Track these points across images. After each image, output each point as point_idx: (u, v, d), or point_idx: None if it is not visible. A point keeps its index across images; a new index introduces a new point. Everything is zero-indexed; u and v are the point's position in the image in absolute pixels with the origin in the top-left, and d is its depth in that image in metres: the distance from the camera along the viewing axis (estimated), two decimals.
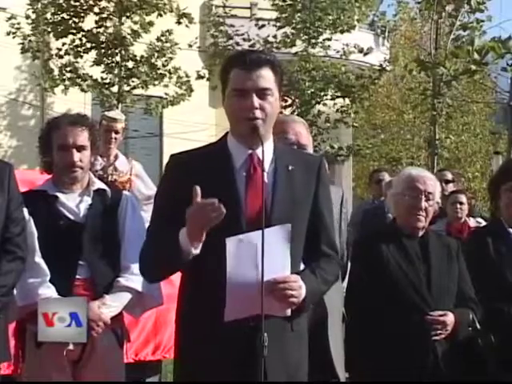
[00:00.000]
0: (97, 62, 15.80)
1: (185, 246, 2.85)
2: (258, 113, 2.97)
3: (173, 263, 2.95)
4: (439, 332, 3.82)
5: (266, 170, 3.02)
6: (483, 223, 7.65)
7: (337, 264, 3.17)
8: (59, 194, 3.79)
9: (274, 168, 3.04)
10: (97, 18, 15.81)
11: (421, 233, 3.99)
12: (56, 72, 15.90)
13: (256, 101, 2.96)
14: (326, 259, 3.11)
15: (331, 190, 3.70)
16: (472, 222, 7.50)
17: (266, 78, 2.99)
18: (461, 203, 7.32)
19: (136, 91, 16.18)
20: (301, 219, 3.04)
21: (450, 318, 3.83)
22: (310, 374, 3.22)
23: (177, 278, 3.11)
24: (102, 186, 3.93)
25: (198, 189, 2.81)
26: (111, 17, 15.84)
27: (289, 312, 2.94)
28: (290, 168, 3.05)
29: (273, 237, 2.85)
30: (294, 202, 3.02)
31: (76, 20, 15.79)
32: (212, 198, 2.89)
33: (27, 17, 15.79)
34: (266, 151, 3.01)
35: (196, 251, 2.86)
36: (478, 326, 3.92)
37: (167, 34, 15.92)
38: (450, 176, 8.28)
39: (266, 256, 2.81)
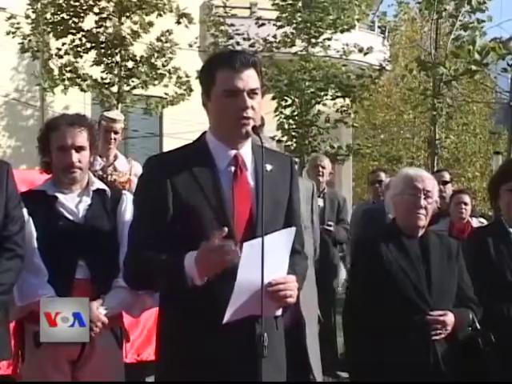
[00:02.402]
0: (97, 62, 15.79)
1: (190, 275, 2.84)
2: (250, 112, 2.98)
3: (173, 286, 2.93)
4: (439, 332, 3.82)
5: (249, 171, 3.05)
6: (486, 224, 7.66)
7: (306, 259, 3.24)
8: (58, 195, 3.79)
9: (254, 168, 3.06)
10: (96, 18, 15.81)
11: (421, 232, 3.99)
12: (56, 72, 15.89)
13: (249, 101, 2.98)
14: (299, 256, 3.15)
15: (300, 183, 3.73)
16: (475, 223, 7.50)
17: (254, 78, 3.02)
18: (465, 203, 7.34)
19: (136, 91, 16.17)
20: (281, 219, 3.08)
21: (450, 317, 3.83)
22: (288, 374, 3.23)
23: None
24: (102, 186, 3.93)
25: (225, 230, 2.79)
26: (111, 17, 15.83)
27: (280, 312, 2.97)
28: (269, 168, 3.07)
29: (279, 240, 2.88)
30: (275, 201, 3.04)
31: (76, 20, 15.78)
32: (200, 199, 2.92)
33: (27, 17, 15.78)
34: (246, 151, 3.06)
35: (201, 282, 2.85)
36: (478, 326, 3.92)
37: (167, 34, 15.91)
38: (447, 176, 8.28)
39: (270, 259, 2.82)
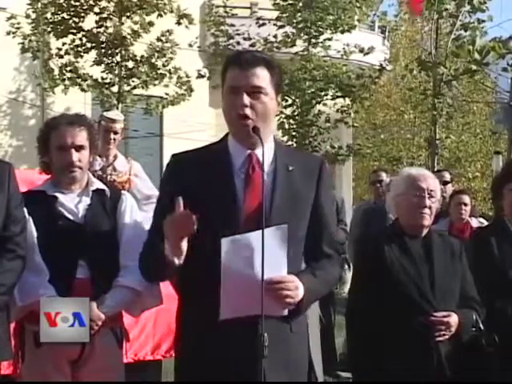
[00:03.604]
0: (97, 62, 15.79)
1: (170, 257, 2.88)
2: (247, 111, 2.96)
3: (162, 272, 3.00)
4: (443, 333, 3.81)
5: (266, 170, 3.01)
6: (485, 223, 7.70)
7: (338, 264, 3.17)
8: (58, 194, 3.78)
9: (273, 168, 3.04)
10: (97, 17, 15.80)
11: (424, 233, 3.98)
12: (56, 72, 15.89)
13: (246, 99, 2.96)
14: (327, 259, 3.11)
15: None
16: (474, 223, 7.55)
17: (260, 76, 2.99)
18: (465, 204, 7.38)
19: (136, 91, 16.16)
20: (300, 219, 3.04)
21: (453, 318, 3.82)
22: None
23: None
24: (101, 186, 3.92)
25: (180, 200, 2.81)
26: (111, 17, 15.83)
27: (286, 312, 2.93)
28: (290, 168, 3.05)
29: (269, 237, 2.84)
30: (293, 202, 3.02)
31: (76, 20, 15.78)
32: (211, 197, 2.93)
33: (27, 16, 15.77)
34: (266, 151, 3.01)
35: (179, 261, 2.88)
36: (482, 327, 3.91)
37: (167, 34, 15.91)
38: (448, 177, 8.31)
39: (258, 256, 2.80)
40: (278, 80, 3.06)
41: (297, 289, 2.89)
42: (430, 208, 3.93)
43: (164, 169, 3.24)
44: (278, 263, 2.90)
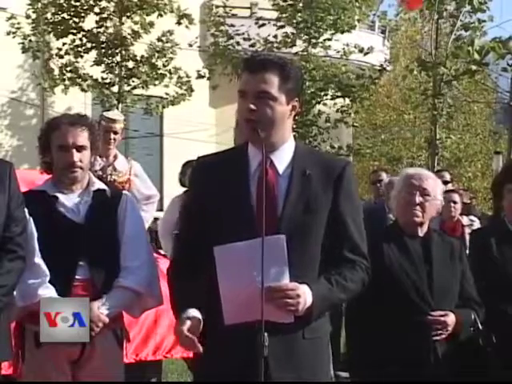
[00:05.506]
0: (97, 62, 15.82)
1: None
2: (252, 115, 2.94)
3: None
4: (440, 332, 3.82)
5: (281, 174, 3.01)
6: (476, 221, 7.87)
7: (361, 269, 3.08)
8: (59, 195, 3.78)
9: (289, 172, 3.02)
10: (97, 17, 15.84)
11: (423, 232, 3.99)
12: (56, 72, 15.91)
13: (251, 103, 2.94)
14: (349, 265, 3.03)
15: None
16: (465, 221, 7.69)
17: (268, 82, 2.95)
18: (454, 202, 7.48)
19: (136, 91, 16.20)
20: (315, 225, 3.00)
21: (450, 317, 3.83)
22: None
23: None
24: (102, 186, 3.92)
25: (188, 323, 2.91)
26: (111, 17, 15.86)
27: (292, 318, 2.88)
28: (308, 173, 3.00)
29: (265, 247, 2.80)
30: (307, 206, 2.98)
31: (76, 20, 15.81)
32: (228, 199, 2.95)
33: (27, 16, 15.79)
34: (283, 155, 3.01)
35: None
36: (480, 327, 3.92)
37: (168, 34, 15.94)
38: (448, 177, 8.39)
39: (258, 265, 2.79)
40: (294, 84, 3.01)
41: (298, 297, 2.84)
42: (420, 205, 3.94)
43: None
44: (278, 272, 2.86)
